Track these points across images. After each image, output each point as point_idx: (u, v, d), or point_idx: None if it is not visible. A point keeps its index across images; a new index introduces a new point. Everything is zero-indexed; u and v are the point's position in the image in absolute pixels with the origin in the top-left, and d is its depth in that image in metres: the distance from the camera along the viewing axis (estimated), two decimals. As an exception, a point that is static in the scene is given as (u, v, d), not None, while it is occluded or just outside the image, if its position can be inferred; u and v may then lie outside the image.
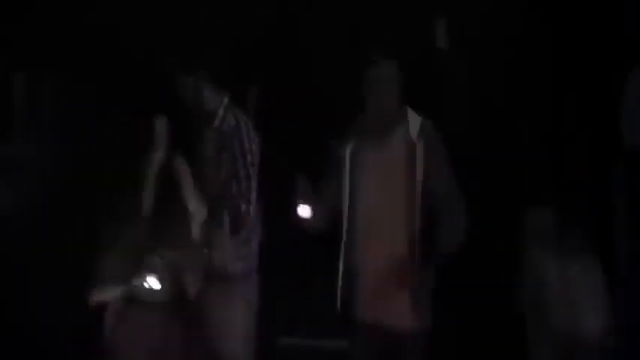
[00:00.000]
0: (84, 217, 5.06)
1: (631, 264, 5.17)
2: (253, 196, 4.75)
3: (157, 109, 4.75)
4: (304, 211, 4.32)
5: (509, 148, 5.42)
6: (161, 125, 4.75)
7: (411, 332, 4.38)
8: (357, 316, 4.45)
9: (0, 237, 5.29)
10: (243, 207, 4.71)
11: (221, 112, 4.85)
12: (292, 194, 4.38)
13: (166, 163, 4.71)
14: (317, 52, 5.77)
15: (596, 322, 4.78)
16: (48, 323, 5.21)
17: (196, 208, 4.66)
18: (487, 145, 5.42)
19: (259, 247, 4.89)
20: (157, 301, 4.54)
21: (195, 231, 4.65)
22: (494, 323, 5.23)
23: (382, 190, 4.33)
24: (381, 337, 4.42)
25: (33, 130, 5.67)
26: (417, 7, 5.57)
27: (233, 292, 4.81)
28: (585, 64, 5.48)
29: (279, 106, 5.70)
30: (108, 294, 4.57)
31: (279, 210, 4.56)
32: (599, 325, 4.77)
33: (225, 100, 4.89)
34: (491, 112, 5.52)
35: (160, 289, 4.51)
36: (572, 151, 5.18)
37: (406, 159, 4.29)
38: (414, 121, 4.39)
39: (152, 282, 4.48)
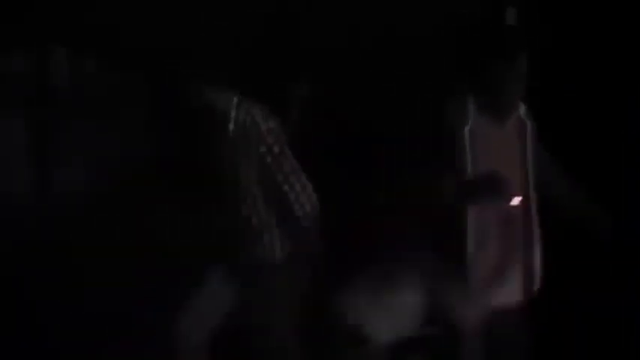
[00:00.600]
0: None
1: None
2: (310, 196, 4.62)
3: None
4: (517, 199, 4.55)
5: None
6: None
7: (515, 308, 4.63)
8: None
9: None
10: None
11: (233, 112, 4.56)
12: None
13: None
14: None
15: None
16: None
17: None
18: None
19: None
20: None
21: None
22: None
23: (502, 167, 4.56)
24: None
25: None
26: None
27: None
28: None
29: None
30: None
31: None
32: None
33: (236, 98, 4.59)
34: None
35: None
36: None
37: (521, 136, 4.69)
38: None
39: None
